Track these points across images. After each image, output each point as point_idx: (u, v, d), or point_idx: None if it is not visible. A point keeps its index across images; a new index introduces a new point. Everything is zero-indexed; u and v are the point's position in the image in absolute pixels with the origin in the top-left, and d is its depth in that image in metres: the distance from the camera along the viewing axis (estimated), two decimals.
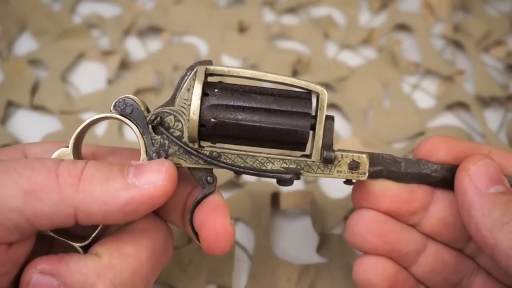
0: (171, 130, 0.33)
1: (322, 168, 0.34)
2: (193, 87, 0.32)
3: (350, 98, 0.59)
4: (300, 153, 0.35)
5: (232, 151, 0.33)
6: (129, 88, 0.57)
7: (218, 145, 0.34)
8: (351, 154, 0.34)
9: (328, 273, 0.45)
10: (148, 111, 0.33)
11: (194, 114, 0.32)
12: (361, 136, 0.54)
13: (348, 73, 0.61)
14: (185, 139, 0.33)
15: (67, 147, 0.33)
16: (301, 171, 0.34)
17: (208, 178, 0.34)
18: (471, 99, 0.57)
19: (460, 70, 0.60)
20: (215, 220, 0.32)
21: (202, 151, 0.33)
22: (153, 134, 0.33)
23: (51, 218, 0.29)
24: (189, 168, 0.34)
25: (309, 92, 0.34)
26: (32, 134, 0.54)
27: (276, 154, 0.33)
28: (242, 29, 0.67)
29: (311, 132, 0.33)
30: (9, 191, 0.28)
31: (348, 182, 0.35)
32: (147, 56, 0.63)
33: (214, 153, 0.33)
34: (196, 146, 0.33)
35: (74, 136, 0.33)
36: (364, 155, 0.34)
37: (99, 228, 0.33)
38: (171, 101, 0.33)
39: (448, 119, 0.57)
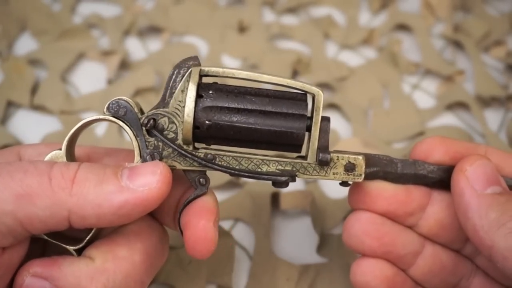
0: (165, 132, 0.32)
1: (318, 170, 0.33)
2: (187, 88, 0.32)
3: (350, 98, 0.58)
4: (295, 154, 0.35)
5: (227, 153, 0.33)
6: (129, 88, 0.57)
7: (213, 146, 0.34)
8: (347, 155, 0.33)
9: (328, 273, 0.44)
10: (142, 112, 0.33)
11: (188, 116, 0.32)
12: (361, 136, 0.54)
13: (348, 73, 0.61)
14: (179, 141, 0.32)
15: (60, 149, 0.33)
16: (296, 173, 0.33)
17: (201, 179, 0.33)
18: (471, 99, 0.57)
19: (460, 70, 0.60)
20: (197, 222, 0.32)
21: (197, 153, 0.33)
22: (147, 136, 0.32)
23: (45, 221, 0.29)
24: (183, 170, 0.33)
25: (305, 93, 0.33)
26: (32, 134, 0.54)
27: (271, 156, 0.33)
28: (242, 29, 0.67)
29: (306, 133, 0.33)
30: (1, 194, 0.28)
31: (344, 184, 0.35)
32: (147, 56, 0.63)
33: (209, 155, 0.33)
34: (191, 148, 0.33)
35: (67, 138, 0.33)
36: (360, 157, 0.33)
37: (93, 231, 0.33)
38: (162, 102, 0.32)
39: (448, 119, 0.57)
